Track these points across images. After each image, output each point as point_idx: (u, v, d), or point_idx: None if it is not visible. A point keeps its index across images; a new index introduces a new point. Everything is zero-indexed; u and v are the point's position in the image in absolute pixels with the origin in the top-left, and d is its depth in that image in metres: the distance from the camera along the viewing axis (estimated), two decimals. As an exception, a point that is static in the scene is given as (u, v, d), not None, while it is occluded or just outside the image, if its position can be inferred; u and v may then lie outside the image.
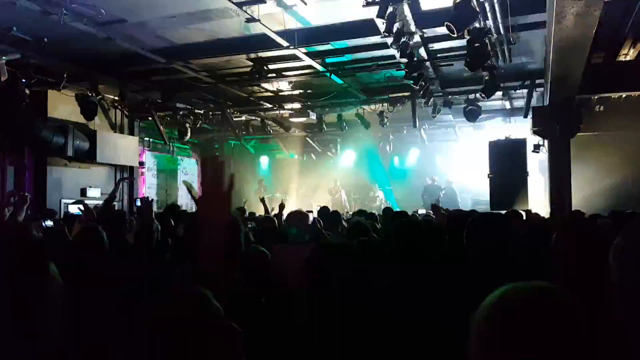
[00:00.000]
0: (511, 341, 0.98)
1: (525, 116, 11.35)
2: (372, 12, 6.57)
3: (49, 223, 5.10)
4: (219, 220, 1.60)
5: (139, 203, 6.13)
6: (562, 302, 1.03)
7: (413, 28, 7.64)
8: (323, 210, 7.19)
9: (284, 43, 8.32)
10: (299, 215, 4.52)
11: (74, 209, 10.07)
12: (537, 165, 13.48)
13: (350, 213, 11.42)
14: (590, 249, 2.34)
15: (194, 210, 3.11)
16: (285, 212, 6.41)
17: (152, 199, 4.24)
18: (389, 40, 7.52)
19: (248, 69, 9.85)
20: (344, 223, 6.36)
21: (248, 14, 7.17)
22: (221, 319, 1.23)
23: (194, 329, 1.16)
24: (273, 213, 7.81)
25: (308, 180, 18.18)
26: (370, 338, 2.08)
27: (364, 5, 6.53)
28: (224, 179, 1.59)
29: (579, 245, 2.39)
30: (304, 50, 8.91)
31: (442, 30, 6.67)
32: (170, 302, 1.23)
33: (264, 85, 11.73)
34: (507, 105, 13.12)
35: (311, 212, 6.11)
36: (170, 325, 1.16)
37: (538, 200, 12.28)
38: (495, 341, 1.01)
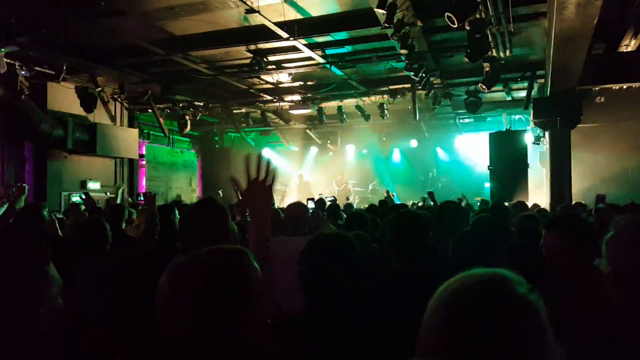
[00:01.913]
0: (454, 338, 0.90)
1: (526, 108, 11.32)
2: (372, 2, 6.53)
3: None
4: (263, 209, 1.84)
5: (142, 198, 6.14)
6: (514, 298, 0.92)
7: (413, 19, 7.61)
8: (319, 202, 7.18)
9: (284, 34, 8.28)
10: (297, 208, 4.50)
11: (77, 199, 10.11)
12: (538, 157, 13.47)
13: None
14: (580, 247, 2.35)
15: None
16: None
17: (155, 194, 4.24)
18: (390, 31, 7.49)
19: (247, 61, 9.81)
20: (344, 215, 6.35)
21: (247, 5, 7.13)
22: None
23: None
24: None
25: (309, 172, 18.22)
26: (361, 332, 2.07)
27: (364, -4, 6.50)
28: (267, 174, 1.83)
29: (567, 244, 2.40)
30: (303, 41, 8.87)
31: (443, 21, 6.63)
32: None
33: (264, 77, 11.70)
34: (508, 96, 13.09)
35: (312, 199, 6.10)
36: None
37: (538, 191, 12.29)
38: (439, 335, 0.93)
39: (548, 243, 2.43)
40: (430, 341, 0.94)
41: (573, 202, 8.80)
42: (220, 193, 11.43)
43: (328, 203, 7.58)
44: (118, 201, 7.49)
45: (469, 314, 0.90)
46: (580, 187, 10.51)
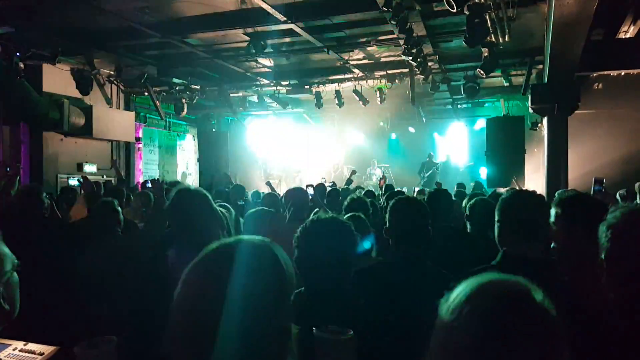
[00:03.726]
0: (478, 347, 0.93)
1: (524, 94, 11.30)
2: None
3: None
4: None
5: (149, 184, 6.12)
6: (535, 310, 0.96)
7: (412, 3, 7.55)
8: (319, 187, 7.18)
9: (281, 18, 8.21)
10: (297, 193, 4.53)
11: (73, 182, 10.11)
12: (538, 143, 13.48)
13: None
14: (579, 225, 2.35)
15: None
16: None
17: (163, 180, 4.24)
18: (388, 15, 7.44)
19: (245, 44, 9.75)
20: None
21: (245, -13, 7.07)
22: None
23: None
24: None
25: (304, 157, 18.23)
26: (353, 316, 2.09)
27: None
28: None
29: (568, 221, 2.41)
30: (301, 24, 8.81)
31: (442, 5, 6.59)
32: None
33: (261, 60, 11.62)
34: (506, 82, 13.05)
35: (311, 186, 6.15)
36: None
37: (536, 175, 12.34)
38: (462, 343, 0.95)
39: (554, 221, 2.43)
40: (450, 348, 0.96)
41: (569, 189, 8.83)
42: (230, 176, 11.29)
43: (328, 188, 7.58)
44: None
45: (495, 325, 0.93)
46: (577, 173, 10.52)
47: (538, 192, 2.85)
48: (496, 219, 2.52)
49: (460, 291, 1.01)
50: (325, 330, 1.57)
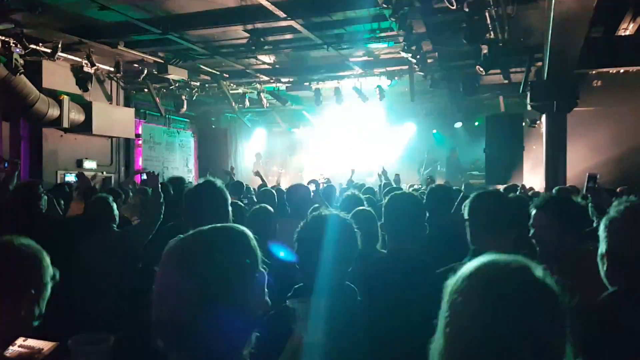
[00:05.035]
0: (483, 322, 0.97)
1: (523, 91, 11.29)
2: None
3: None
4: None
5: (144, 177, 6.10)
6: (539, 285, 1.01)
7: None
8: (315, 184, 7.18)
9: (281, 14, 8.20)
10: (300, 190, 4.54)
11: (70, 179, 10.10)
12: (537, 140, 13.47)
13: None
14: (568, 225, 2.43)
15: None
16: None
17: (158, 173, 4.23)
18: (388, 11, 7.44)
19: (244, 41, 9.74)
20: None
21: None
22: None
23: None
24: (271, 185, 7.81)
25: (305, 154, 18.20)
26: (352, 310, 2.10)
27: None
28: None
29: (555, 222, 2.48)
30: (301, 21, 8.80)
31: (441, 2, 6.59)
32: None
33: (261, 57, 11.61)
34: (505, 79, 13.02)
35: (313, 182, 6.15)
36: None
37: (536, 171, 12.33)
38: (467, 319, 0.99)
39: (537, 222, 2.50)
40: (462, 328, 1.00)
41: (567, 185, 8.84)
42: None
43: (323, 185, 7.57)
44: None
45: (500, 301, 0.98)
46: (576, 170, 10.53)
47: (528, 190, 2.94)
48: (465, 217, 2.61)
49: (462, 271, 1.05)
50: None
